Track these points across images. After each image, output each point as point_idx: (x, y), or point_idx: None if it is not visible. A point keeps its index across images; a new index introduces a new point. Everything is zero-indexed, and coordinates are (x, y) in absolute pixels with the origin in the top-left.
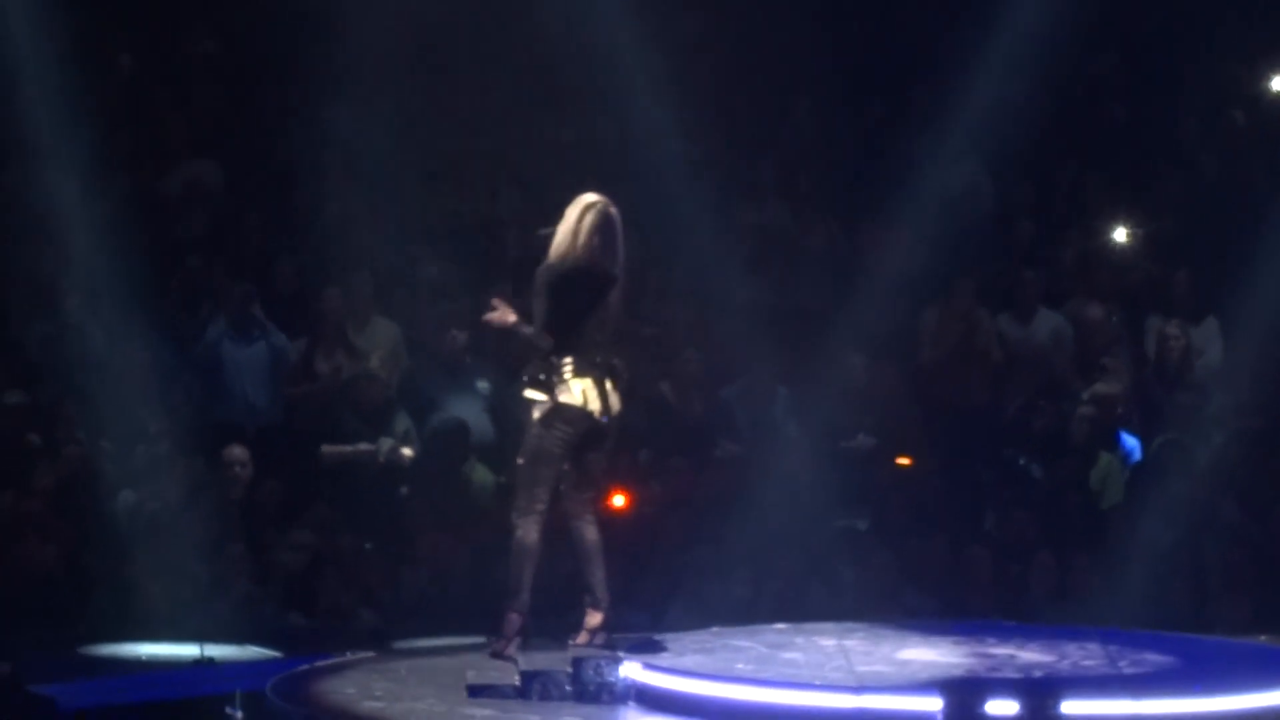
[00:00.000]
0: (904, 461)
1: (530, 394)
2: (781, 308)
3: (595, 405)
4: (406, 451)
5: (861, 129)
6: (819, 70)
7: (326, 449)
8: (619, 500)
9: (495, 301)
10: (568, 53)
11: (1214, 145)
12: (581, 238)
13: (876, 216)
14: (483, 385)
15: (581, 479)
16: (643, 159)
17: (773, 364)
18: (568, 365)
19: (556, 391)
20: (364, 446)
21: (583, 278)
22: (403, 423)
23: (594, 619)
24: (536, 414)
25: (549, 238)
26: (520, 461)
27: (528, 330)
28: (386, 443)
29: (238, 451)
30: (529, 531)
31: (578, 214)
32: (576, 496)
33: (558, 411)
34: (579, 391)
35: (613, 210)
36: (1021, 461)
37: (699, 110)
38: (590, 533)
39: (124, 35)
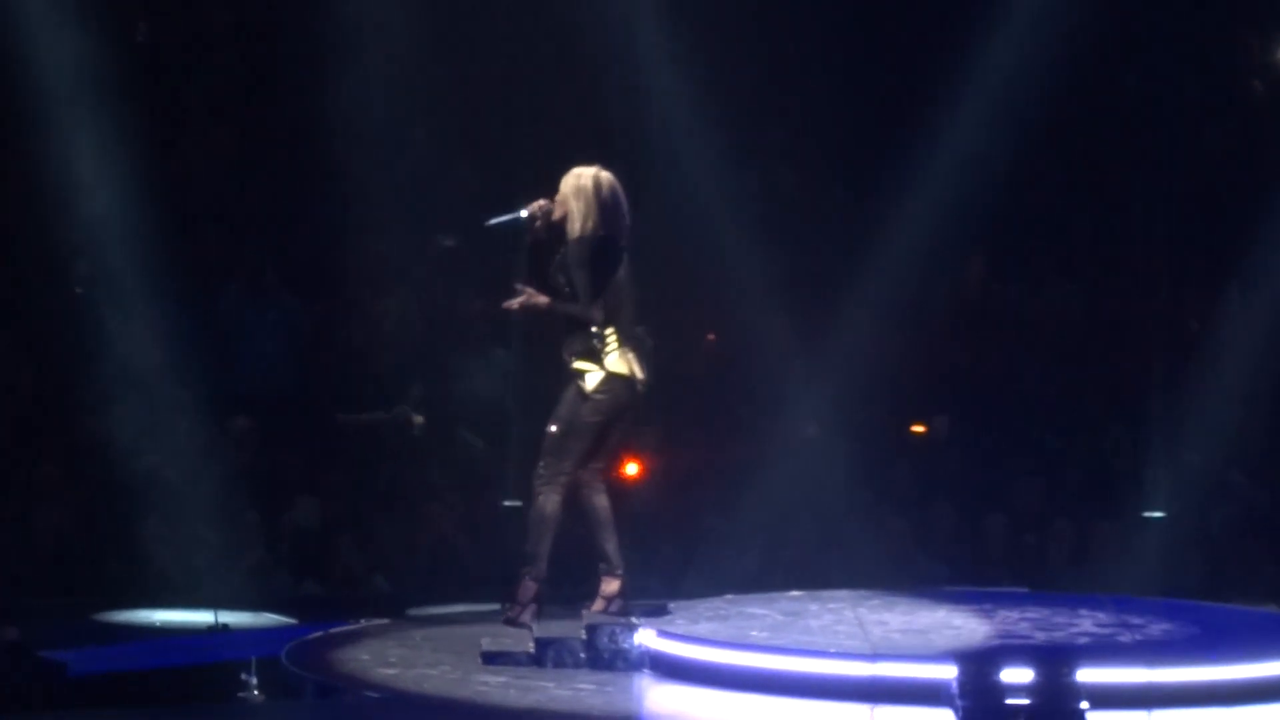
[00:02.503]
0: (917, 429)
1: (580, 365)
2: (794, 276)
3: (640, 374)
4: (418, 419)
5: (875, 96)
6: (832, 36)
7: (343, 417)
8: (632, 469)
9: (518, 287)
10: (582, 22)
11: (1231, 113)
12: (596, 208)
13: (890, 184)
14: (501, 355)
15: (600, 450)
16: (655, 128)
17: (786, 333)
18: (611, 335)
19: (605, 360)
20: (379, 414)
21: (612, 247)
22: (417, 390)
23: (609, 586)
24: (586, 385)
25: (502, 226)
26: (552, 429)
27: (572, 307)
28: (402, 410)
29: (242, 421)
30: (550, 499)
31: (588, 185)
32: (590, 466)
33: (608, 381)
34: (625, 361)
35: (611, 178)
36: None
37: (711, 78)
38: (601, 501)
39: (141, 3)
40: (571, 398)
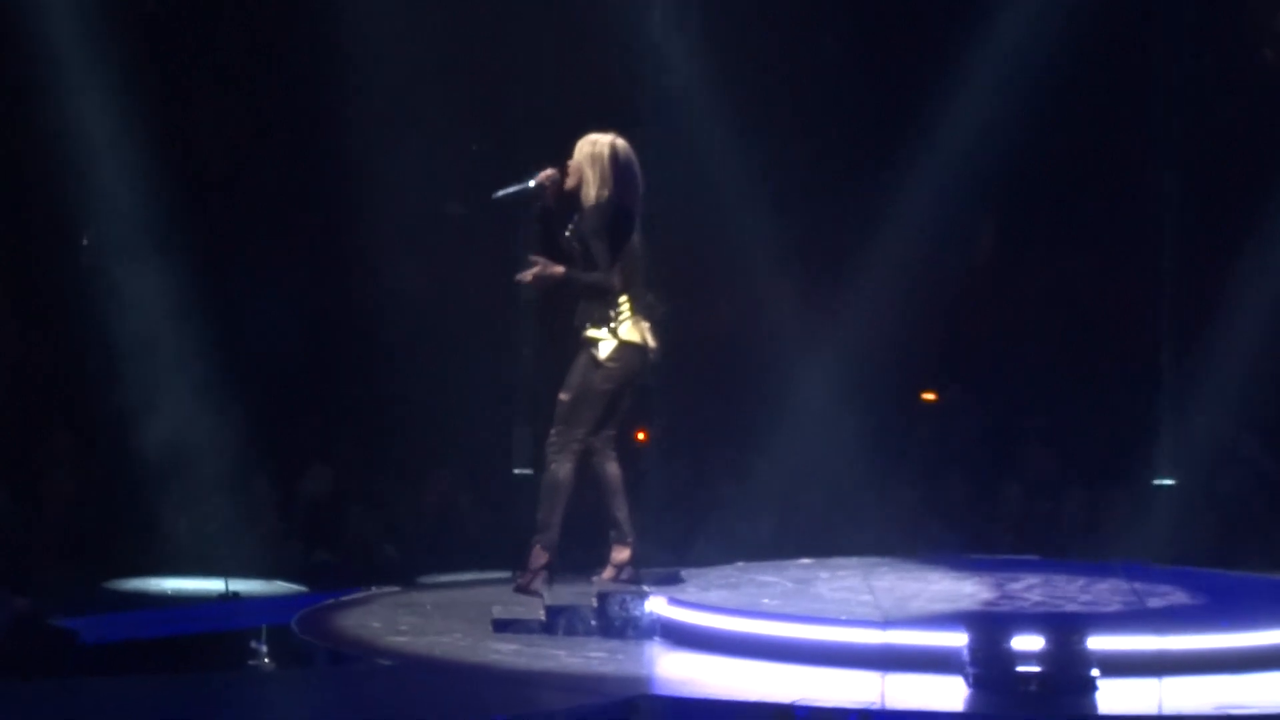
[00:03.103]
0: (928, 397)
1: (593, 333)
2: (806, 244)
3: (652, 342)
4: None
5: (887, 64)
6: (844, 4)
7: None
8: (640, 436)
9: (533, 258)
10: None
11: (1242, 80)
12: (612, 175)
13: (901, 152)
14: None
15: (609, 416)
16: (665, 98)
17: (797, 301)
18: (625, 304)
19: (619, 329)
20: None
21: (624, 215)
22: None
23: (620, 554)
24: (599, 353)
25: (511, 197)
26: (564, 398)
27: (590, 275)
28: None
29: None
30: (562, 467)
31: (602, 153)
32: (602, 433)
33: (621, 349)
34: (638, 330)
35: (625, 145)
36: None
37: (722, 47)
38: (613, 469)
39: None
40: (583, 365)
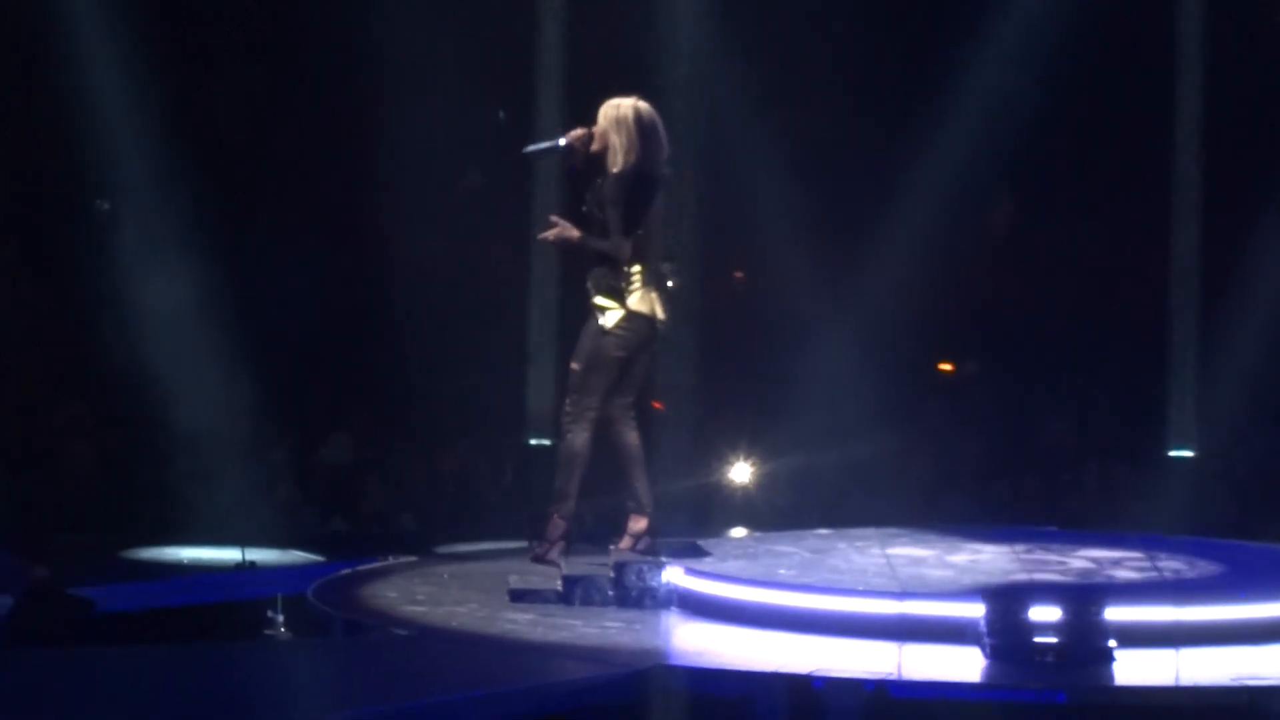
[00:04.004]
0: (945, 368)
1: (601, 301)
2: (823, 214)
3: (661, 313)
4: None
5: (904, 33)
6: None
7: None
8: (656, 405)
9: (553, 219)
10: None
11: (1260, 51)
12: (638, 141)
13: (918, 122)
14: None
15: (625, 384)
16: (681, 67)
17: (814, 271)
18: (637, 273)
19: (628, 299)
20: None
21: (646, 182)
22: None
23: (637, 524)
24: (605, 321)
25: (540, 154)
26: (575, 367)
27: (602, 243)
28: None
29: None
30: (578, 436)
31: (628, 117)
32: (619, 402)
33: (628, 319)
34: (647, 300)
35: (650, 108)
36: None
37: (741, 14)
38: (632, 438)
39: None
40: (592, 333)
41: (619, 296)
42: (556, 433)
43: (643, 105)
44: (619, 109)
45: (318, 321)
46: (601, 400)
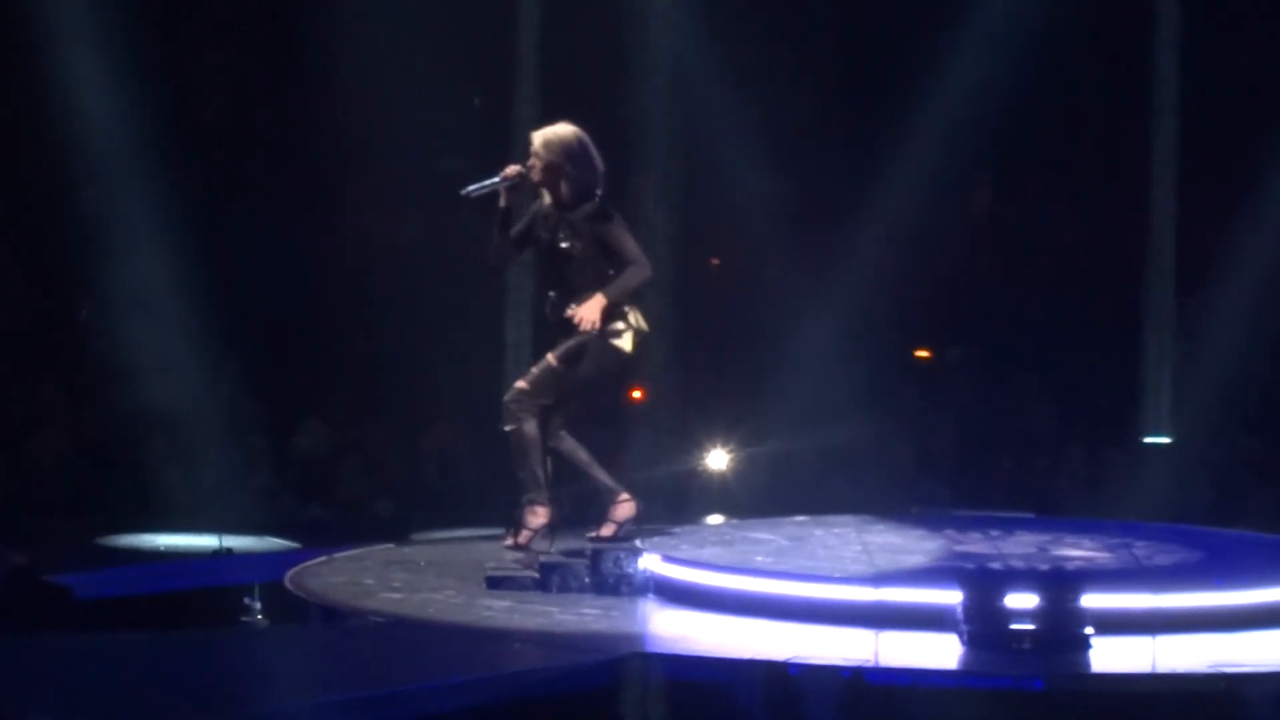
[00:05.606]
0: (922, 354)
1: (620, 325)
2: (801, 200)
3: (645, 326)
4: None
5: (883, 19)
6: None
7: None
8: (635, 394)
9: (569, 313)
10: None
11: (1238, 36)
12: (597, 162)
13: (896, 108)
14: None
15: (578, 398)
16: (663, 57)
17: (792, 256)
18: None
19: (630, 318)
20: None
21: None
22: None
23: (615, 511)
24: (624, 345)
25: (480, 192)
26: (553, 363)
27: (628, 280)
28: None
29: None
30: (528, 424)
31: (574, 144)
32: (564, 410)
33: (637, 336)
34: (639, 316)
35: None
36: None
37: (715, 3)
38: (570, 443)
39: None
40: (594, 348)
41: (624, 317)
42: (501, 418)
43: (578, 130)
44: (562, 138)
45: (296, 306)
46: (553, 404)
